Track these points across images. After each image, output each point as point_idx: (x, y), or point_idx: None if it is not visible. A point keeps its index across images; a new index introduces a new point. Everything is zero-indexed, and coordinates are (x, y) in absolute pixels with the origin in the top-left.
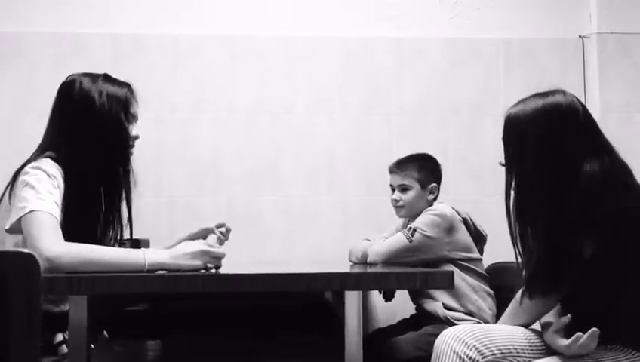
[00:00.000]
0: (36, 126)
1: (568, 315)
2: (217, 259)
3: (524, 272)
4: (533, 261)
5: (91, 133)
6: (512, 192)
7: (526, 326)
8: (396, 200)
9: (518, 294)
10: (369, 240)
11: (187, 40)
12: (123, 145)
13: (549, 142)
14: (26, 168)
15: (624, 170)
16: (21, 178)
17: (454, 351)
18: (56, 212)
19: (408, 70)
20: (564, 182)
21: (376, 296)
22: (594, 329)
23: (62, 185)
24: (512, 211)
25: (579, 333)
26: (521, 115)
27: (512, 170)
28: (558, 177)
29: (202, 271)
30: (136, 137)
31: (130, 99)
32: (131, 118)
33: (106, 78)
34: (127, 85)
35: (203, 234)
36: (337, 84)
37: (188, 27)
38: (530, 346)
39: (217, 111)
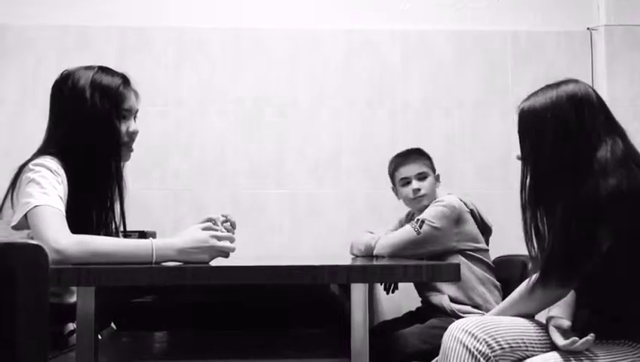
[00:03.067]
0: (41, 119)
1: (569, 322)
2: (225, 253)
3: (539, 262)
4: (550, 251)
5: (82, 130)
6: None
7: (532, 314)
8: (418, 190)
9: (526, 282)
10: (371, 233)
11: (192, 33)
12: (113, 141)
13: (568, 131)
14: (29, 165)
15: (636, 152)
16: (25, 175)
17: (464, 344)
18: (61, 206)
19: (414, 63)
20: (582, 168)
21: (382, 289)
22: (589, 337)
23: (65, 180)
24: (527, 203)
25: (575, 338)
26: (537, 107)
27: (528, 163)
28: (577, 164)
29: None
30: (135, 132)
31: (124, 94)
32: (126, 113)
33: (101, 69)
34: (122, 78)
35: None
36: (342, 77)
37: (193, 20)
38: (538, 339)
39: (222, 104)
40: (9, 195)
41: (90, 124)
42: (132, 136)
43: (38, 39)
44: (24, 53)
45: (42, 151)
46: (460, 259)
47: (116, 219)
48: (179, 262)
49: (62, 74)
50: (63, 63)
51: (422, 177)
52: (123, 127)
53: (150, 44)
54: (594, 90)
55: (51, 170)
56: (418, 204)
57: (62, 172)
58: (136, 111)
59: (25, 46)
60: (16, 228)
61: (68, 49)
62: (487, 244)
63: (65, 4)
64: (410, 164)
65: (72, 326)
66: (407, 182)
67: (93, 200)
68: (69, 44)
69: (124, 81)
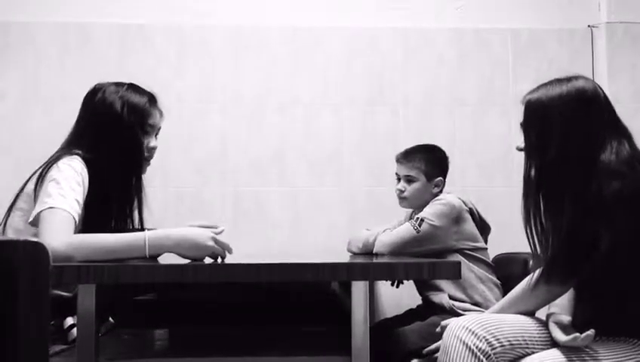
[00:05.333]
0: (42, 115)
1: (569, 318)
2: (220, 252)
3: (541, 259)
4: (554, 247)
5: (108, 140)
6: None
7: (533, 311)
8: (401, 191)
9: (527, 279)
10: (369, 230)
11: (193, 30)
12: (136, 154)
13: (575, 127)
14: (59, 163)
15: None
16: (50, 173)
17: (464, 342)
18: (75, 209)
19: (415, 61)
20: (586, 167)
21: (382, 286)
22: (589, 332)
23: (87, 183)
24: (530, 195)
25: (577, 334)
26: (544, 100)
27: (532, 156)
28: (581, 163)
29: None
30: (154, 148)
31: (150, 110)
32: (150, 128)
33: (131, 87)
34: (149, 95)
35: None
36: (343, 75)
37: (194, 17)
38: (539, 336)
39: (223, 101)
40: (29, 186)
41: (116, 135)
42: (151, 151)
43: (39, 36)
44: (25, 50)
45: (68, 151)
46: (458, 258)
47: (135, 226)
48: (173, 253)
49: (94, 86)
50: (64, 60)
51: (409, 180)
52: (144, 142)
53: (151, 41)
54: (601, 90)
55: (76, 172)
56: (400, 203)
57: (85, 174)
58: (159, 129)
59: (26, 43)
60: (32, 223)
61: (69, 46)
62: (486, 243)
63: (66, 1)
64: (402, 163)
65: (71, 320)
66: (397, 178)
67: (113, 207)
68: (70, 40)
69: (151, 99)
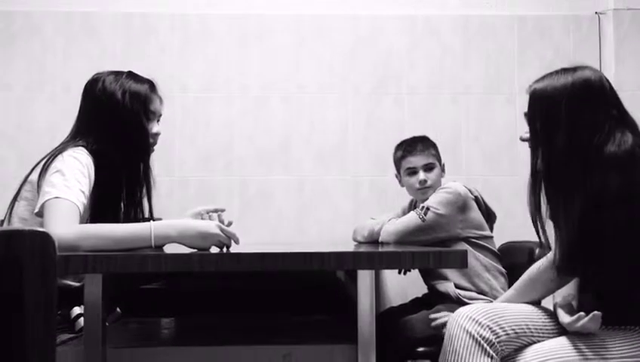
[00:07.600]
0: (48, 105)
1: (573, 295)
2: (226, 241)
3: (547, 248)
4: (563, 241)
5: (113, 129)
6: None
7: (538, 300)
8: (425, 181)
9: (532, 268)
10: (374, 219)
11: (198, 19)
12: (143, 141)
13: (580, 119)
14: (63, 154)
15: None
16: (55, 163)
17: (468, 332)
18: (80, 200)
19: (420, 49)
20: (591, 159)
21: (388, 275)
22: (595, 312)
23: (92, 174)
24: (537, 186)
25: (581, 313)
26: (550, 90)
27: (538, 147)
28: (587, 154)
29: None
30: (157, 134)
31: (151, 96)
32: (151, 115)
33: (130, 75)
34: (148, 82)
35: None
36: (348, 64)
37: (198, 7)
38: (543, 325)
39: (228, 91)
40: (33, 176)
41: (120, 123)
42: (155, 137)
43: (44, 26)
44: (30, 40)
45: (73, 142)
46: (464, 247)
47: (145, 215)
48: (178, 243)
49: (93, 76)
50: (69, 50)
51: (429, 168)
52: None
53: (156, 31)
54: (607, 81)
55: (81, 163)
56: (423, 195)
57: (91, 165)
58: (160, 115)
59: (31, 33)
60: (38, 214)
61: (74, 35)
62: (492, 231)
63: None
64: (418, 153)
65: (78, 309)
66: (413, 171)
67: (122, 196)
68: (74, 30)
69: (151, 85)
